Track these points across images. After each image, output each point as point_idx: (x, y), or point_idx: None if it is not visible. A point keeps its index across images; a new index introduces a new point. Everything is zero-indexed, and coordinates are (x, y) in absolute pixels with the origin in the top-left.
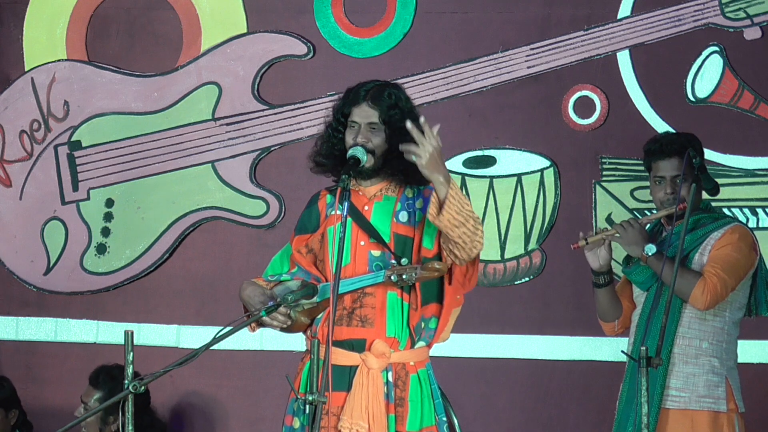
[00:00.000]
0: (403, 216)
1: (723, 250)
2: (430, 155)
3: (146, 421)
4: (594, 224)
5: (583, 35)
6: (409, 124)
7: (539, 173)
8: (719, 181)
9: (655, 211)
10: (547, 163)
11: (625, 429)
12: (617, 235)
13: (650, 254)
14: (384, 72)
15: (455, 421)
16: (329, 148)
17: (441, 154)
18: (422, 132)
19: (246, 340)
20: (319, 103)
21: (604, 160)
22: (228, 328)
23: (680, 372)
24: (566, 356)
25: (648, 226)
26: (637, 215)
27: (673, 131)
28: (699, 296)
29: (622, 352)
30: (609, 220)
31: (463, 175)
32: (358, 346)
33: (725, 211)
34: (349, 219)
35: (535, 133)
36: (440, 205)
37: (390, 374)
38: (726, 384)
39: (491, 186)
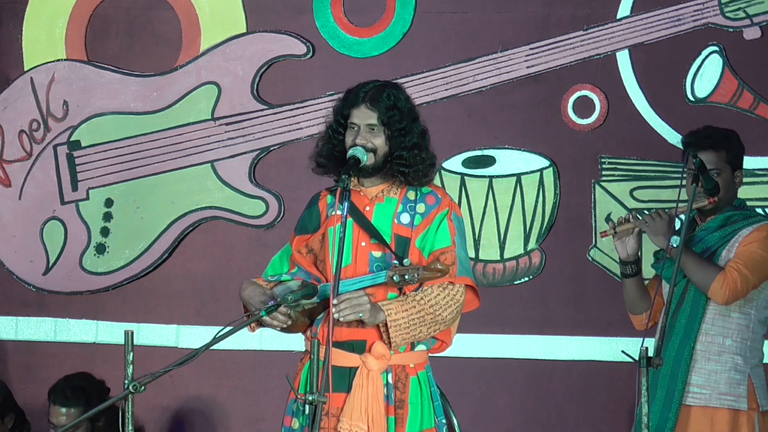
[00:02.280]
0: (405, 218)
1: (749, 247)
2: (369, 309)
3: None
4: (593, 224)
5: (583, 35)
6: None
7: (539, 173)
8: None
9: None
10: (546, 162)
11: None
12: (645, 223)
13: (676, 246)
14: (383, 72)
15: (455, 422)
16: (330, 150)
17: (363, 306)
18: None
19: (246, 340)
20: (318, 103)
21: (603, 160)
22: (228, 328)
23: (702, 369)
24: (566, 356)
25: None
26: (637, 216)
27: (714, 127)
28: (718, 290)
29: (623, 352)
30: (608, 220)
31: (463, 174)
32: (358, 347)
33: None
34: (350, 219)
35: (534, 133)
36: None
37: (390, 376)
38: (748, 382)
39: (491, 186)
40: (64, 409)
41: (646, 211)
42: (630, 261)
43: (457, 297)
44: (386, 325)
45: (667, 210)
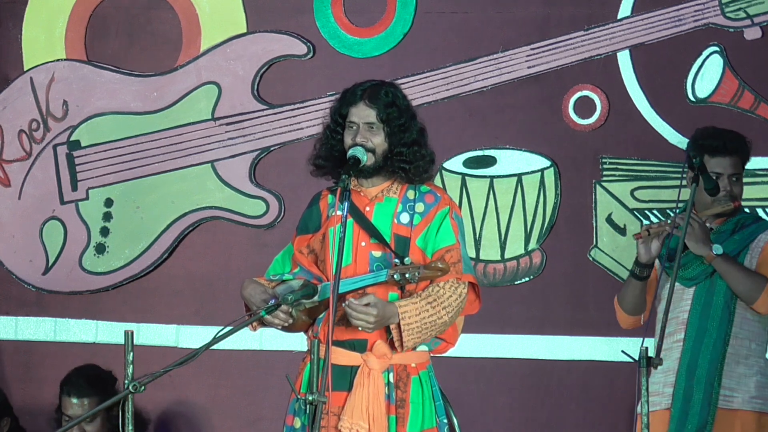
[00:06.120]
0: (404, 217)
1: None
2: (374, 325)
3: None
4: (594, 224)
5: (584, 35)
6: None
7: (539, 173)
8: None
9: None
10: (547, 163)
11: (683, 428)
12: (680, 229)
13: (718, 254)
14: (384, 72)
15: (455, 422)
16: (328, 150)
17: (380, 316)
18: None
19: (246, 340)
20: (318, 103)
21: (604, 160)
22: (228, 328)
23: (733, 372)
24: (566, 356)
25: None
26: (638, 215)
27: (727, 129)
28: (767, 301)
29: (623, 352)
30: (609, 220)
31: (464, 175)
32: (359, 346)
33: None
34: (350, 219)
35: (535, 133)
36: (401, 341)
37: (391, 375)
38: None
39: (491, 186)
40: (77, 400)
41: (646, 212)
42: (649, 264)
43: (462, 292)
44: (398, 326)
45: (695, 215)
